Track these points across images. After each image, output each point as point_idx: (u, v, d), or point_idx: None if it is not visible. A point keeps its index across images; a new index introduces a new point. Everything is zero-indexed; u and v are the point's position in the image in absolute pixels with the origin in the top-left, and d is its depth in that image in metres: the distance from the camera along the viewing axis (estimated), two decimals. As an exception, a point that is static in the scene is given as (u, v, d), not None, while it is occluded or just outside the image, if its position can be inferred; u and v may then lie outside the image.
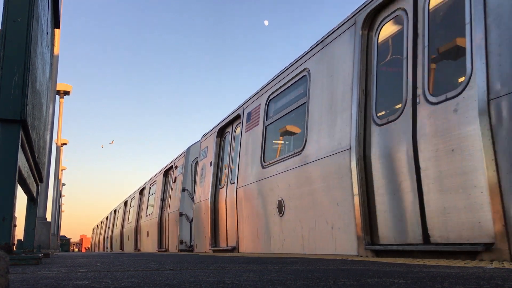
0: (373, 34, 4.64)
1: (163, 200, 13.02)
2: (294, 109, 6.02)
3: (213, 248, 8.08)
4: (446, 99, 3.64)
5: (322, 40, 5.48)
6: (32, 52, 2.67)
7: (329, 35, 5.33)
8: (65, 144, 25.14)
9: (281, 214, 5.91)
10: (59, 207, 22.44)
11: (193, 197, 10.03)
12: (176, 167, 12.24)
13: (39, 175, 4.37)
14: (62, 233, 34.84)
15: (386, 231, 4.19)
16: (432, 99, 3.78)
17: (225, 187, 8.05)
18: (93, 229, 40.01)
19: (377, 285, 1.65)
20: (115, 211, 23.61)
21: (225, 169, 8.31)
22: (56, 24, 4.78)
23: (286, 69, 6.35)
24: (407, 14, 4.21)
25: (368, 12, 4.59)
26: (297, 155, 5.64)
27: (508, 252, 3.06)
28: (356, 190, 4.43)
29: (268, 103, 6.84)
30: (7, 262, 1.35)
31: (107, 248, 25.22)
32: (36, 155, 3.60)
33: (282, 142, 6.94)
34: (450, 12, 4.04)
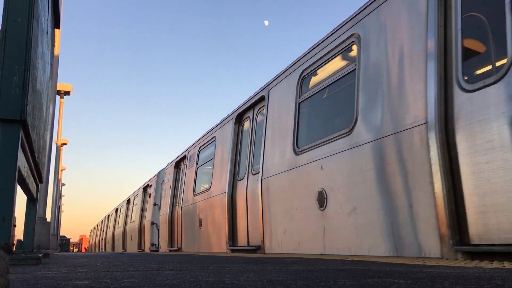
0: None
1: (142, 210, 16.49)
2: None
3: (169, 248, 8.84)
4: None
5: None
6: (32, 52, 2.67)
7: None
8: (65, 144, 25.13)
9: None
10: (59, 207, 22.43)
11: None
12: (151, 185, 15.41)
13: (39, 175, 4.37)
14: (62, 233, 34.83)
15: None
16: None
17: (178, 205, 10.75)
18: (90, 231, 40.53)
19: (377, 285, 1.65)
20: (108, 216, 26.67)
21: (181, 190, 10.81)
22: (56, 24, 4.78)
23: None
24: None
25: None
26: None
27: None
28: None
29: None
30: (7, 262, 1.35)
31: (101, 249, 26.89)
32: (36, 155, 3.59)
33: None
34: None
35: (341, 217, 4.69)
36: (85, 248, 61.73)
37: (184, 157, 11.53)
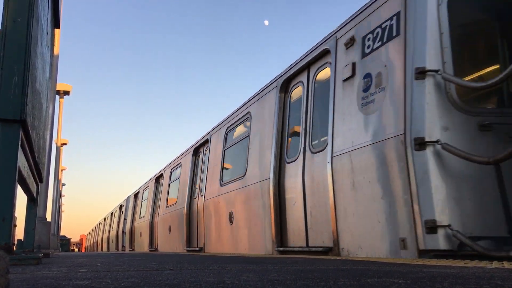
0: None
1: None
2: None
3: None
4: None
5: None
6: (32, 52, 2.67)
7: None
8: (65, 144, 25.14)
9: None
10: (59, 207, 22.44)
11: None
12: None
13: (39, 175, 4.37)
14: (62, 233, 34.85)
15: None
16: None
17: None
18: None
19: (377, 285, 1.65)
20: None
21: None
22: (56, 24, 4.77)
23: None
24: None
25: None
26: None
27: None
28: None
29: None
30: (7, 262, 1.35)
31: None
32: (36, 155, 3.59)
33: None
34: None
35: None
36: (85, 248, 61.80)
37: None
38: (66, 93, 17.59)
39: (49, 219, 11.45)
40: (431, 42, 3.96)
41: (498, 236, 3.64)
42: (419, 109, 3.85)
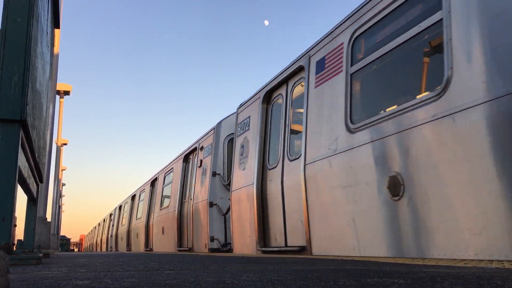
0: None
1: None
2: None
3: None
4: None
5: None
6: (32, 52, 2.67)
7: None
8: (65, 144, 25.14)
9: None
10: (59, 207, 22.44)
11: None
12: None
13: (39, 175, 4.37)
14: (62, 233, 34.85)
15: None
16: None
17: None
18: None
19: (377, 285, 1.65)
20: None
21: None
22: (56, 24, 4.78)
23: None
24: None
25: None
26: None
27: None
28: None
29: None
30: (7, 262, 1.35)
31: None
32: (36, 155, 3.59)
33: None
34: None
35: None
36: (83, 248, 61.78)
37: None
38: (66, 93, 17.60)
39: (49, 219, 11.47)
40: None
41: None
42: None
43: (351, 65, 4.85)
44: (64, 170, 33.06)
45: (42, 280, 2.05)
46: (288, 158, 5.96)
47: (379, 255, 4.13)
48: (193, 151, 10.78)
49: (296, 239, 5.61)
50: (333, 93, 5.07)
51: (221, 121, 9.30)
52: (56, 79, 10.75)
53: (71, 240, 50.08)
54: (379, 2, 4.52)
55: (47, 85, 4.28)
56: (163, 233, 12.17)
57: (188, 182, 10.63)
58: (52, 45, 4.91)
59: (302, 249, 5.31)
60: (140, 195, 16.80)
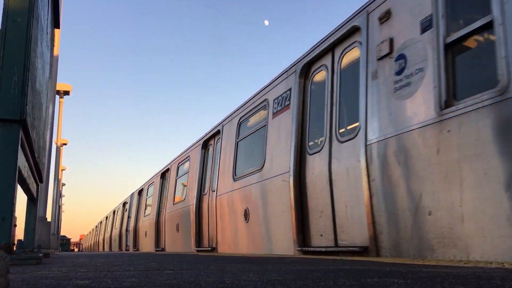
0: None
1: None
2: None
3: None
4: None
5: None
6: (32, 52, 2.67)
7: None
8: (65, 144, 25.15)
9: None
10: (59, 207, 22.43)
11: None
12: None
13: (39, 175, 4.37)
14: (62, 233, 34.85)
15: None
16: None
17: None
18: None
19: (377, 285, 1.65)
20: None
21: None
22: (56, 24, 4.77)
23: None
24: None
25: None
26: None
27: None
28: None
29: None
30: (7, 262, 1.35)
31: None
32: (36, 155, 3.59)
33: None
34: None
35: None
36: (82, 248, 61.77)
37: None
38: (66, 93, 17.60)
39: (49, 219, 11.47)
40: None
41: None
42: None
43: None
44: (64, 170, 33.09)
45: (42, 280, 2.05)
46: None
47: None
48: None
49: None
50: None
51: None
52: (56, 79, 10.75)
53: (71, 240, 50.12)
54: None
55: (47, 85, 4.28)
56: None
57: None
58: (52, 45, 4.91)
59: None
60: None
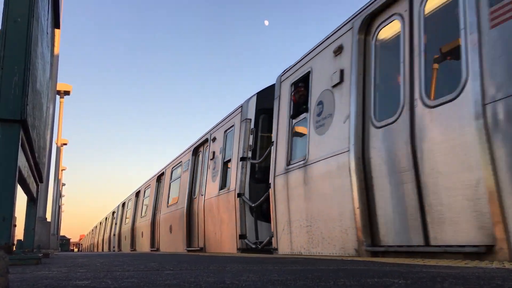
0: None
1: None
2: None
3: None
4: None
5: None
6: (32, 52, 2.67)
7: None
8: (65, 144, 25.12)
9: None
10: (59, 207, 22.42)
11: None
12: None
13: (39, 175, 4.37)
14: (62, 233, 34.86)
15: None
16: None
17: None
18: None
19: (377, 285, 1.65)
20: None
21: None
22: (56, 24, 4.77)
23: None
24: None
25: None
26: None
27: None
28: None
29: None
30: (7, 262, 1.35)
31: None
32: (36, 155, 3.59)
33: None
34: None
35: None
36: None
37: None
38: (66, 93, 17.60)
39: (49, 219, 11.45)
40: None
41: None
42: None
43: None
44: (64, 170, 33.05)
45: (42, 280, 2.05)
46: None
47: None
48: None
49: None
50: None
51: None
52: (56, 79, 10.73)
53: (71, 240, 50.09)
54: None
55: (47, 85, 4.28)
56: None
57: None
58: (52, 45, 4.91)
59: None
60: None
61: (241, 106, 8.05)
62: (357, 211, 4.52)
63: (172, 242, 11.45)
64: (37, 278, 2.18)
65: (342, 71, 5.07)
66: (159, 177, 14.12)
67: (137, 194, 17.35)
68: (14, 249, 4.15)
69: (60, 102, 17.61)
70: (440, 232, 3.72)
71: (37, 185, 4.65)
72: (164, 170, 13.59)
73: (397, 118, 4.23)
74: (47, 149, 8.89)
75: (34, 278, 2.15)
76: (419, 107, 4.00)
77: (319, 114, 5.42)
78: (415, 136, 4.00)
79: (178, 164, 11.88)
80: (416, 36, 4.22)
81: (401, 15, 4.47)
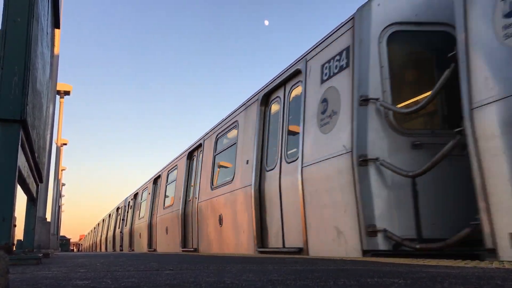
0: None
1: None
2: None
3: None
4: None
5: None
6: (32, 52, 2.66)
7: None
8: (65, 144, 25.11)
9: None
10: (59, 207, 22.42)
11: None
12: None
13: (39, 175, 4.37)
14: (62, 233, 34.85)
15: None
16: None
17: None
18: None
19: (377, 285, 1.65)
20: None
21: None
22: (56, 24, 4.77)
23: None
24: None
25: None
26: None
27: None
28: None
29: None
30: (7, 262, 1.35)
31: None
32: (36, 155, 3.59)
33: None
34: None
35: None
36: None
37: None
38: (66, 93, 17.58)
39: (49, 219, 11.45)
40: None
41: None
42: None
43: None
44: (64, 170, 33.03)
45: (42, 280, 2.05)
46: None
47: None
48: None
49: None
50: None
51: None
52: (56, 79, 10.73)
53: (71, 240, 50.08)
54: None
55: (47, 85, 4.28)
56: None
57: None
58: (52, 45, 4.91)
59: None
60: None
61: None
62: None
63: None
64: (37, 278, 2.18)
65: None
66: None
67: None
68: (14, 249, 4.15)
69: (60, 102, 17.60)
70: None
71: (37, 185, 4.65)
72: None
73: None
74: (47, 149, 8.89)
75: (34, 278, 2.15)
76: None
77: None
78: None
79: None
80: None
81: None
